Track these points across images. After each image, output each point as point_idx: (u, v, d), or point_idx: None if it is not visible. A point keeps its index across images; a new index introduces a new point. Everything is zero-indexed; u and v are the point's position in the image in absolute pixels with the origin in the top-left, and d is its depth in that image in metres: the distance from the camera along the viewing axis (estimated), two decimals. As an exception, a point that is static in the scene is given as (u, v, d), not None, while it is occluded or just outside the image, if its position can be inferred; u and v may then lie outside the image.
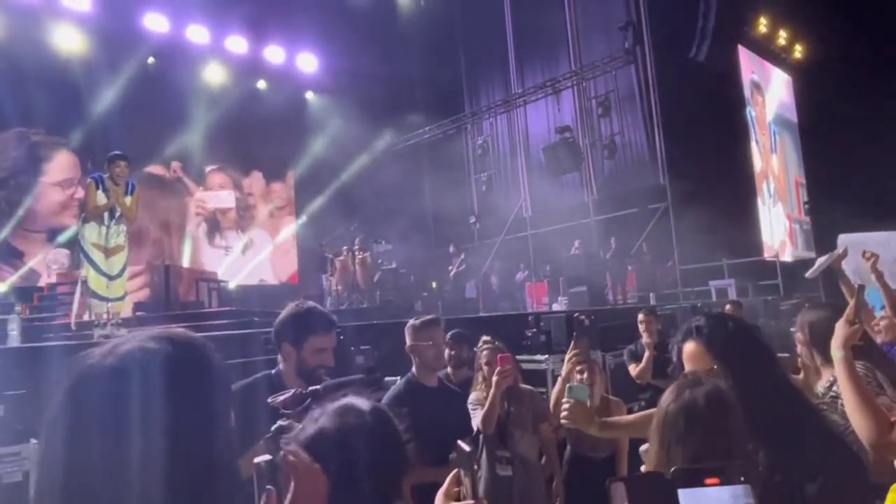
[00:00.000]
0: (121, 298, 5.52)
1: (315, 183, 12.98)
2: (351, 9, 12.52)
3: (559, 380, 2.69)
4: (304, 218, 13.51)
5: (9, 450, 2.54)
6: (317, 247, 11.46)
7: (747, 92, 13.18)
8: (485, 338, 3.09)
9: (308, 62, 13.61)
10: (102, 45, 10.53)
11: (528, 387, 3.13)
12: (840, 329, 1.47)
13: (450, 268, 11.72)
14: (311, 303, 2.08)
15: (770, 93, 14.44)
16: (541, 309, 9.69)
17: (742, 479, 0.72)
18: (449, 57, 13.89)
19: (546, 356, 5.43)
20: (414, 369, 2.56)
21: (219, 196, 12.90)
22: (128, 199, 5.42)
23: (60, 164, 10.64)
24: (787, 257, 12.76)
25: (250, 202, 13.45)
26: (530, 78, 13.20)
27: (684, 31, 11.39)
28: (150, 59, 11.29)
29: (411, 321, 2.61)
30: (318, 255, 11.79)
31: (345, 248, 11.25)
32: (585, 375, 3.02)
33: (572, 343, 2.86)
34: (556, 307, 9.69)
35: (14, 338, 4.75)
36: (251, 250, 13.15)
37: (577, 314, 6.24)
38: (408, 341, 2.56)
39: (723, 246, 10.13)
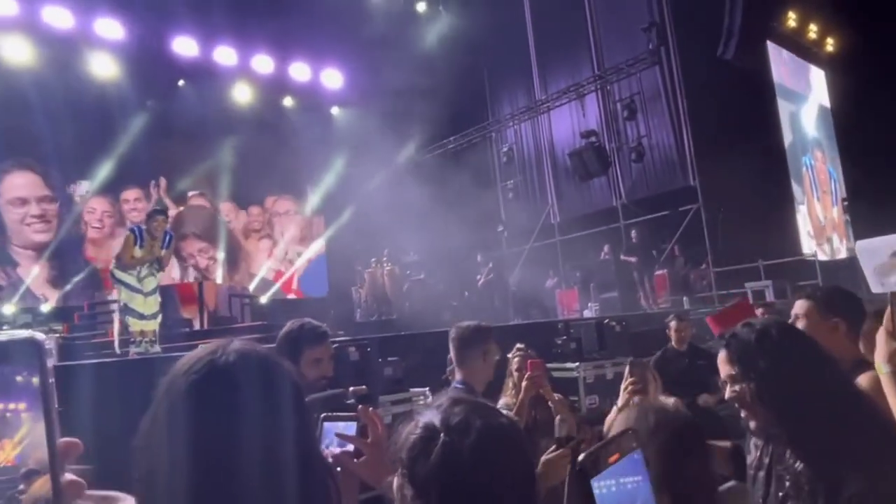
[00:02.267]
0: (154, 316, 5.66)
1: (343, 196, 13.15)
2: (373, 23, 12.67)
3: (615, 409, 2.66)
4: (332, 231, 13.66)
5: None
6: (347, 260, 11.62)
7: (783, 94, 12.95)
8: (519, 345, 3.06)
9: (333, 78, 13.83)
10: (135, 70, 10.88)
11: (559, 395, 3.08)
12: (883, 342, 1.38)
13: (478, 277, 11.69)
14: (306, 319, 2.16)
15: (807, 89, 14.15)
16: (571, 316, 9.59)
17: (634, 444, 0.72)
18: (471, 66, 13.92)
19: (577, 364, 5.38)
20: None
21: (248, 213, 13.17)
22: (163, 252, 5.70)
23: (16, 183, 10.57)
24: (826, 256, 12.37)
25: (278, 218, 13.67)
26: (553, 84, 13.15)
27: (710, 30, 11.21)
28: (181, 82, 11.63)
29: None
30: (347, 268, 11.92)
31: (373, 260, 11.36)
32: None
33: (627, 370, 2.79)
34: (586, 314, 9.60)
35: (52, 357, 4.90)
36: (281, 264, 13.35)
37: (607, 320, 6.16)
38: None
39: (759, 246, 9.88)
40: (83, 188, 11.08)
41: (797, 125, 13.76)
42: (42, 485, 0.49)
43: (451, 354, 2.50)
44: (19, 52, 9.90)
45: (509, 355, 3.02)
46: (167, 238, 5.75)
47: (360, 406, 1.19)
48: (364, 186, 13.22)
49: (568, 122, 12.92)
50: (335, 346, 4.56)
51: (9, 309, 9.33)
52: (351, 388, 2.26)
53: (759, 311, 5.73)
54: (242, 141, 11.85)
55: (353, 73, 13.78)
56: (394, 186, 13.10)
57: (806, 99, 14.40)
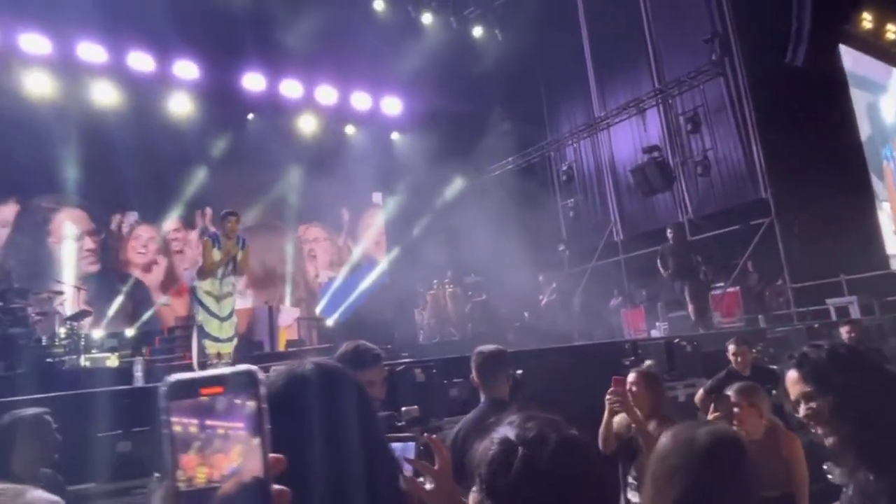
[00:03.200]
0: (230, 339, 5.90)
1: (404, 219, 13.38)
2: (431, 50, 12.98)
3: None
4: (394, 253, 13.89)
5: (136, 482, 2.76)
6: (410, 282, 11.78)
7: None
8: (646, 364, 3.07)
9: (392, 105, 14.20)
10: (208, 107, 11.57)
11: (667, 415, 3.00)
12: None
13: (541, 297, 11.58)
14: (360, 341, 2.27)
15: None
16: (638, 336, 9.33)
17: None
18: (528, 86, 14.00)
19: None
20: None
21: (309, 236, 13.55)
22: (240, 253, 5.88)
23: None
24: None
25: (341, 242, 14.02)
26: (612, 100, 12.99)
27: (777, 37, 10.81)
28: (250, 116, 12.26)
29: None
30: (411, 290, 12.07)
31: (435, 281, 11.47)
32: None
33: (712, 405, 2.73)
34: (654, 333, 9.31)
35: (139, 379, 5.20)
36: (347, 287, 13.66)
37: (677, 340, 5.96)
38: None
39: (841, 260, 9.31)
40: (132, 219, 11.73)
41: (875, 116, 12.99)
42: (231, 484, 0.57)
43: (475, 377, 2.68)
44: (107, 96, 10.72)
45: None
46: (241, 240, 5.91)
47: (424, 434, 1.24)
48: (424, 209, 13.43)
49: (629, 138, 12.71)
50: (400, 367, 4.63)
51: (97, 334, 9.96)
52: (403, 409, 2.34)
53: (844, 330, 5.40)
54: (306, 167, 12.33)
55: (411, 99, 14.08)
56: (454, 208, 13.24)
57: (885, 88, 13.60)
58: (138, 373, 5.38)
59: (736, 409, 2.75)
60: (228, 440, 0.58)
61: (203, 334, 5.78)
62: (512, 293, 11.64)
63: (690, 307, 8.74)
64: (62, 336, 7.76)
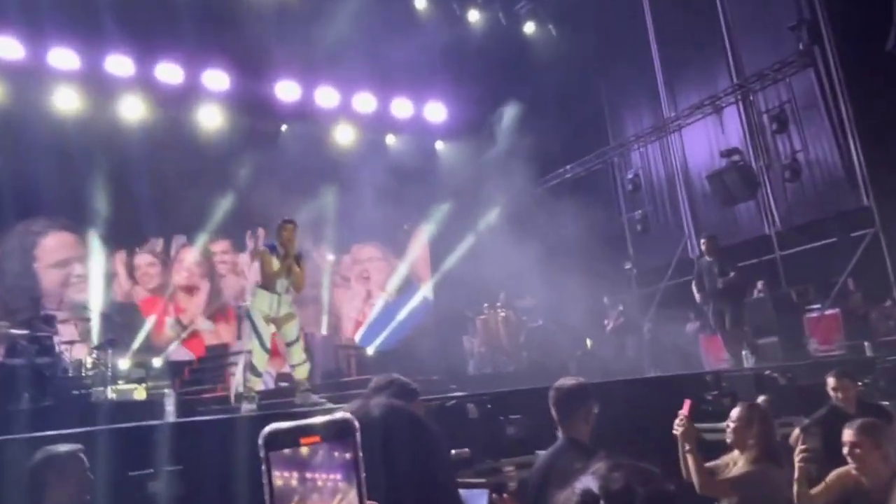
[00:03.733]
0: (303, 363, 5.98)
1: (450, 237, 13.46)
2: (478, 50, 13.12)
3: (795, 483, 2.64)
4: (439, 275, 13.97)
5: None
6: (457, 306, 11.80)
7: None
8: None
9: (436, 112, 14.38)
10: (239, 119, 12.00)
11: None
12: None
13: (606, 322, 11.40)
14: (395, 375, 2.37)
15: None
16: (721, 366, 9.07)
17: None
18: (587, 86, 13.90)
19: (733, 424, 5.05)
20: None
21: (348, 258, 13.78)
22: (296, 268, 5.93)
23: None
24: None
25: (381, 265, 14.17)
26: (684, 98, 12.78)
27: (874, 22, 10.44)
28: (283, 127, 12.63)
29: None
30: (458, 315, 12.09)
31: (486, 305, 11.46)
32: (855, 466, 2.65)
33: (801, 437, 2.68)
34: (740, 363, 9.04)
35: (170, 413, 5.36)
36: (388, 313, 13.78)
37: (768, 371, 5.77)
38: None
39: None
40: (181, 241, 12.19)
41: None
42: None
43: (553, 414, 2.71)
44: (135, 111, 11.27)
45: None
46: (298, 252, 5.94)
47: (493, 495, 1.29)
48: (473, 225, 13.47)
49: (704, 141, 12.45)
50: (451, 402, 4.63)
51: (124, 364, 10.35)
52: (453, 452, 2.40)
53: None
54: (343, 182, 12.58)
55: (457, 104, 14.27)
56: (505, 223, 13.23)
57: None
58: (169, 406, 5.54)
59: (857, 450, 2.61)
60: (326, 492, 0.62)
61: (250, 367, 5.80)
62: (572, 318, 11.52)
63: (727, 339, 8.35)
64: (89, 366, 8.10)
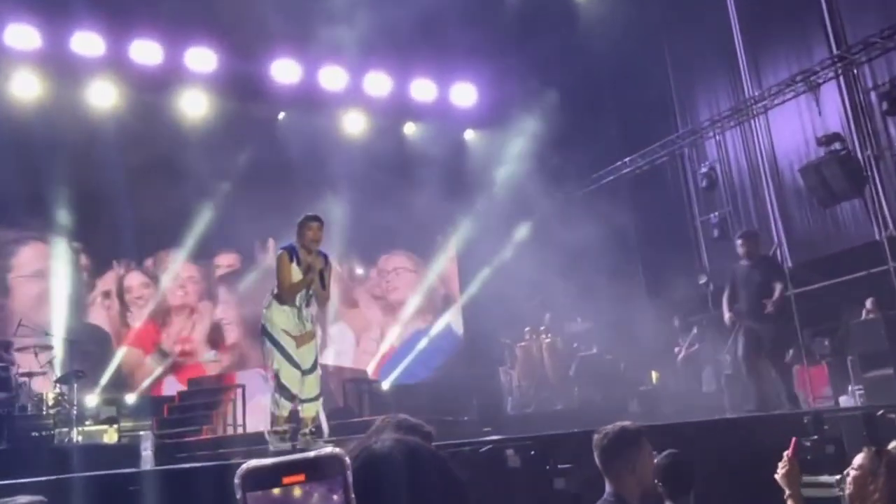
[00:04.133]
0: (315, 399, 5.97)
1: (483, 247, 13.46)
2: (517, 19, 13.12)
3: None
4: (470, 293, 13.98)
5: None
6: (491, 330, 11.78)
7: None
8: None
9: (465, 94, 14.41)
10: (230, 104, 12.17)
11: None
12: None
13: (676, 349, 11.29)
14: (401, 415, 2.42)
15: None
16: (821, 404, 8.93)
17: None
18: (651, 63, 13.82)
19: (836, 476, 4.97)
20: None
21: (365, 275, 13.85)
22: (325, 272, 5.96)
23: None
24: None
25: (395, 284, 14.23)
26: (771, 73, 12.66)
27: None
28: (281, 115, 12.77)
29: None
30: (494, 342, 12.08)
31: (527, 329, 11.46)
32: None
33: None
34: (844, 401, 8.91)
35: (147, 459, 5.42)
36: (405, 341, 13.82)
37: (881, 411, 5.68)
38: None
39: None
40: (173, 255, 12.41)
41: None
42: None
43: (598, 464, 2.83)
44: (105, 97, 11.49)
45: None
46: (323, 255, 5.95)
47: None
48: (510, 231, 13.45)
49: (796, 125, 12.31)
50: (486, 447, 4.62)
51: (92, 400, 10.51)
52: None
53: None
54: (355, 181, 12.66)
55: (491, 86, 14.29)
56: (550, 230, 13.19)
57: None
58: (146, 451, 5.61)
59: None
60: None
61: (279, 387, 5.70)
62: (634, 344, 11.44)
63: (752, 369, 8.00)
64: (51, 403, 8.25)
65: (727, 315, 8.19)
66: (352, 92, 13.34)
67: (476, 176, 13.84)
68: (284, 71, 12.70)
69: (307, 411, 5.88)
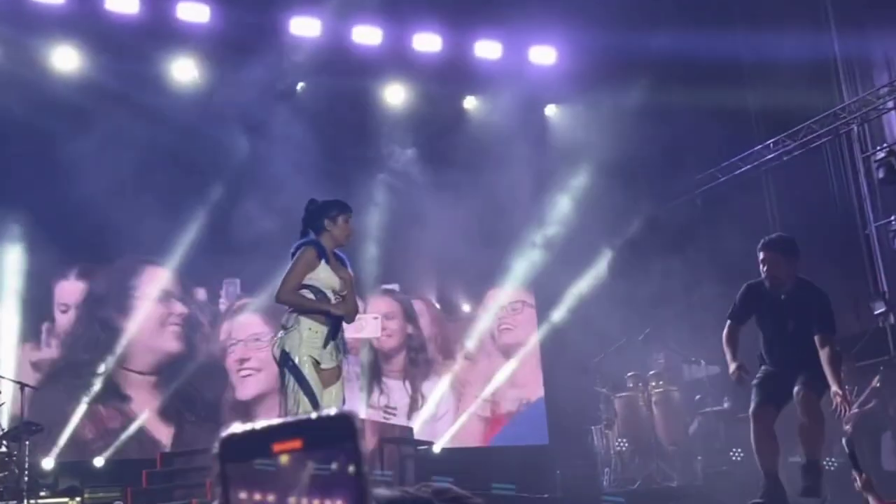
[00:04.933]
0: None
1: (568, 261, 13.33)
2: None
3: None
4: (548, 328, 13.94)
5: None
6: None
7: None
8: None
9: (544, 57, 14.28)
10: (232, 71, 12.35)
11: None
12: None
13: (853, 405, 10.84)
14: (447, 485, 2.37)
15: None
16: None
17: None
18: (802, 14, 13.56)
19: None
20: None
21: (361, 322, 13.83)
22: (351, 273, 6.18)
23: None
24: None
25: (431, 331, 14.21)
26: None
27: None
28: (300, 85, 12.82)
29: None
30: (583, 392, 11.86)
31: (629, 375, 11.45)
32: None
33: None
34: None
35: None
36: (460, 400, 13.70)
37: None
38: None
39: None
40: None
41: None
42: None
43: None
44: (68, 61, 11.73)
45: None
46: (342, 258, 6.11)
47: None
48: (608, 240, 13.23)
49: None
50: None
51: (48, 464, 10.57)
52: None
53: None
54: (398, 174, 12.62)
55: (577, 46, 14.16)
56: (658, 238, 12.94)
57: None
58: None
59: None
60: None
61: None
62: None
63: (768, 420, 7.31)
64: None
65: (733, 370, 7.34)
66: (393, 55, 13.39)
67: (561, 162, 13.83)
68: (305, 28, 12.77)
69: None
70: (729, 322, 7.35)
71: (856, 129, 13.48)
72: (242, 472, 0.67)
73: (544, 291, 14.18)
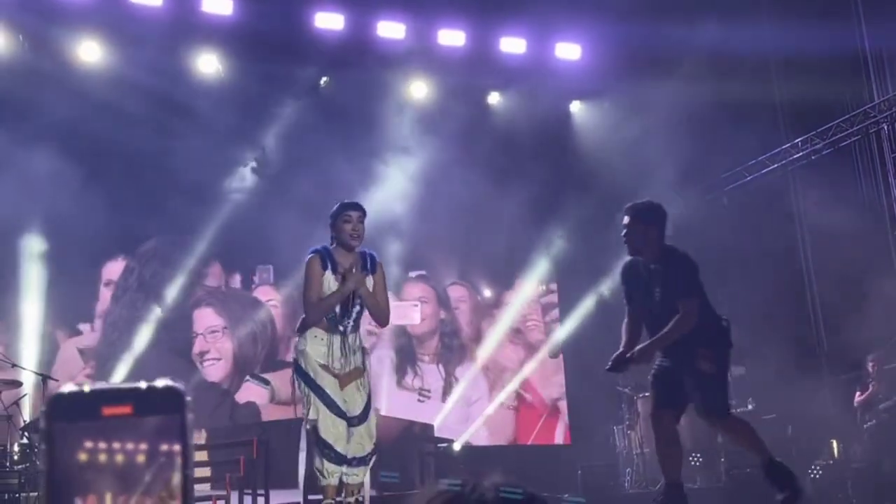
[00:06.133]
0: (365, 462, 5.80)
1: (594, 260, 13.25)
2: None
3: None
4: (570, 325, 13.98)
5: None
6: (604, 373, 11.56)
7: None
8: None
9: (568, 53, 14.28)
10: (256, 64, 12.48)
11: None
12: None
13: (858, 398, 10.99)
14: (495, 480, 2.40)
15: None
16: None
17: None
18: (832, 11, 13.48)
19: None
20: None
21: (401, 310, 13.84)
22: (369, 280, 5.92)
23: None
24: None
25: (465, 318, 14.39)
26: None
27: None
28: (323, 81, 12.88)
29: None
30: (605, 390, 11.87)
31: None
32: None
33: None
34: None
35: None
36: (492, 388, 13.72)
37: None
38: None
39: None
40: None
41: None
42: None
43: None
44: (91, 54, 11.83)
45: None
46: (369, 257, 6.02)
47: None
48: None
49: None
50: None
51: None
52: None
53: None
54: (422, 170, 12.65)
55: (602, 42, 14.17)
56: (680, 239, 12.87)
57: None
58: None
59: None
60: (136, 479, 0.71)
61: (320, 445, 5.61)
62: (806, 399, 11.25)
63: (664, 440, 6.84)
64: (16, 456, 8.32)
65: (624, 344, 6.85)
66: (418, 50, 13.33)
67: (586, 161, 13.88)
68: (329, 22, 12.78)
69: (352, 477, 5.71)
70: (627, 307, 6.88)
71: (886, 128, 13.41)
72: (69, 432, 0.69)
73: (568, 288, 14.32)
